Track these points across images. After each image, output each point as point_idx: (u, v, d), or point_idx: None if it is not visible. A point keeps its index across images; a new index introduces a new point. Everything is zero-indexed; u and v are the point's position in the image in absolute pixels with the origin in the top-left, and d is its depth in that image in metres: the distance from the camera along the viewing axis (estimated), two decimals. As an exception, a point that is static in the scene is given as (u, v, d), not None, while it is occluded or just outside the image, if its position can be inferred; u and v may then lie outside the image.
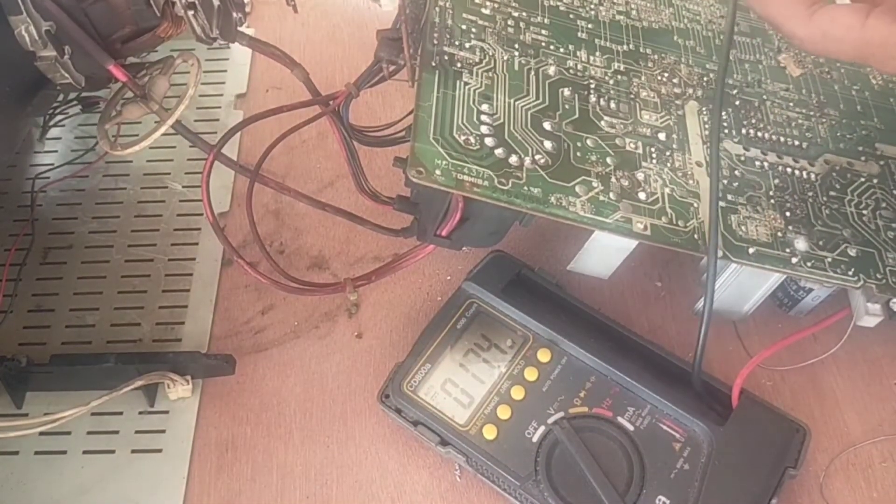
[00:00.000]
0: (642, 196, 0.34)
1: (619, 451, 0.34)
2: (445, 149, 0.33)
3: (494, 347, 0.37)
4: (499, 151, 0.33)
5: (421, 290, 0.42)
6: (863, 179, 0.37)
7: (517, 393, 0.36)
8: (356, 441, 0.38)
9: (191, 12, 0.33)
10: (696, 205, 0.34)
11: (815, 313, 0.38)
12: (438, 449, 0.35)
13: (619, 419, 0.35)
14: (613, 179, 0.34)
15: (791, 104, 0.40)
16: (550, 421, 0.35)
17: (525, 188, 0.33)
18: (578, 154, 0.34)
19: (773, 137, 0.38)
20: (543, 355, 0.37)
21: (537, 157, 0.34)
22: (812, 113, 0.39)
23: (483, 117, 0.34)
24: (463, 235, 0.36)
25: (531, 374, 0.36)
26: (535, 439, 0.34)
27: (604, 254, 0.36)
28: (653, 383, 0.35)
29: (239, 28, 0.37)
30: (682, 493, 0.33)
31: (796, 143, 0.38)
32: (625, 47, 0.40)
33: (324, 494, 0.36)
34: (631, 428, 0.35)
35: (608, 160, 0.35)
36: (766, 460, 0.34)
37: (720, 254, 0.33)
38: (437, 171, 0.32)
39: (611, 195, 0.34)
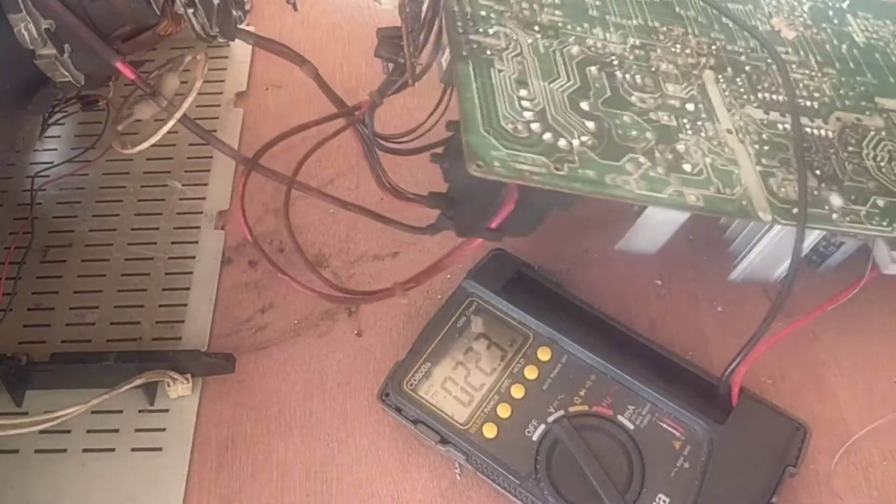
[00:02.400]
0: (687, 168, 0.34)
1: (619, 450, 0.34)
2: (498, 139, 0.32)
3: (494, 346, 0.37)
4: (547, 136, 0.33)
5: (421, 289, 0.42)
6: (872, 133, 0.38)
7: (517, 391, 0.36)
8: (356, 439, 0.38)
9: (190, 10, 0.33)
10: (736, 172, 0.34)
11: (807, 306, 0.39)
12: (438, 447, 0.35)
13: (620, 417, 0.35)
14: (657, 154, 0.34)
15: (794, 66, 0.40)
16: (550, 419, 0.35)
17: (580, 171, 0.32)
18: (619, 132, 0.34)
19: (787, 99, 0.38)
20: (543, 354, 0.37)
21: (584, 138, 0.33)
22: (814, 73, 0.40)
23: (524, 103, 0.34)
24: (509, 226, 0.36)
25: (531, 373, 0.36)
26: (535, 438, 0.34)
27: (655, 229, 0.36)
28: (653, 382, 0.35)
29: (239, 26, 0.37)
30: (683, 491, 0.33)
31: (807, 103, 0.38)
32: (634, 21, 0.40)
33: (324, 492, 0.36)
34: (631, 426, 0.35)
35: (648, 135, 0.34)
36: (766, 459, 0.34)
37: (769, 217, 0.33)
38: (496, 163, 0.31)
39: (659, 170, 0.33)
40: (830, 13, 0.43)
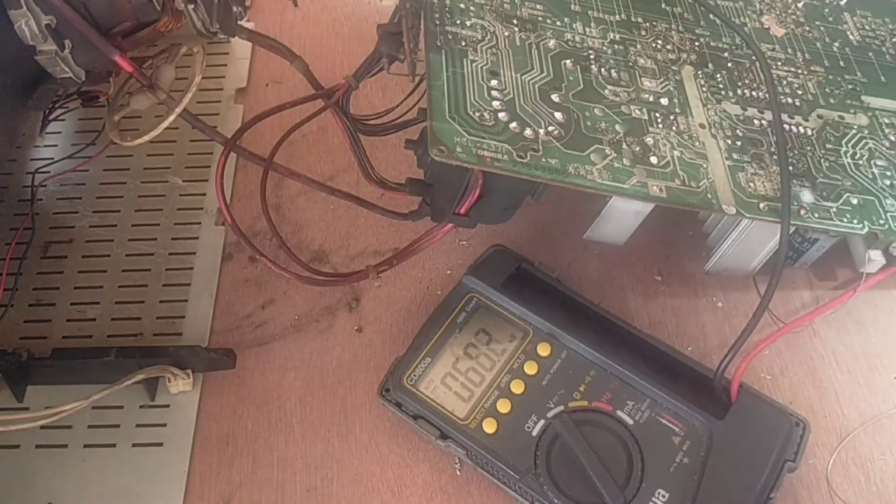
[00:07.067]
0: (654, 160, 0.34)
1: (618, 445, 0.34)
2: (462, 126, 0.33)
3: (494, 341, 0.37)
4: (513, 125, 0.34)
5: (421, 285, 0.42)
6: (854, 131, 0.38)
7: (517, 387, 0.36)
8: (356, 435, 0.38)
9: (191, 6, 0.33)
10: (705, 165, 0.35)
11: (808, 307, 0.39)
12: (438, 443, 0.35)
13: (619, 413, 0.35)
14: (625, 146, 0.35)
15: (779, 63, 0.41)
16: (550, 415, 0.35)
17: (543, 160, 0.33)
18: (588, 123, 0.35)
19: (767, 96, 0.38)
20: (543, 349, 0.37)
21: (550, 128, 0.34)
22: (800, 71, 0.40)
23: (494, 93, 0.35)
24: (479, 212, 0.36)
25: (531, 368, 0.36)
26: (534, 433, 0.35)
27: (621, 219, 0.36)
28: (652, 377, 0.35)
29: (239, 22, 0.37)
30: (682, 486, 0.33)
31: (789, 100, 0.39)
32: (617, 17, 0.40)
33: (324, 488, 0.36)
34: (630, 422, 0.35)
35: (617, 127, 0.35)
36: (765, 454, 0.34)
37: (733, 211, 0.34)
38: (458, 149, 0.32)
39: (625, 161, 0.34)
40: (826, 11, 0.44)
